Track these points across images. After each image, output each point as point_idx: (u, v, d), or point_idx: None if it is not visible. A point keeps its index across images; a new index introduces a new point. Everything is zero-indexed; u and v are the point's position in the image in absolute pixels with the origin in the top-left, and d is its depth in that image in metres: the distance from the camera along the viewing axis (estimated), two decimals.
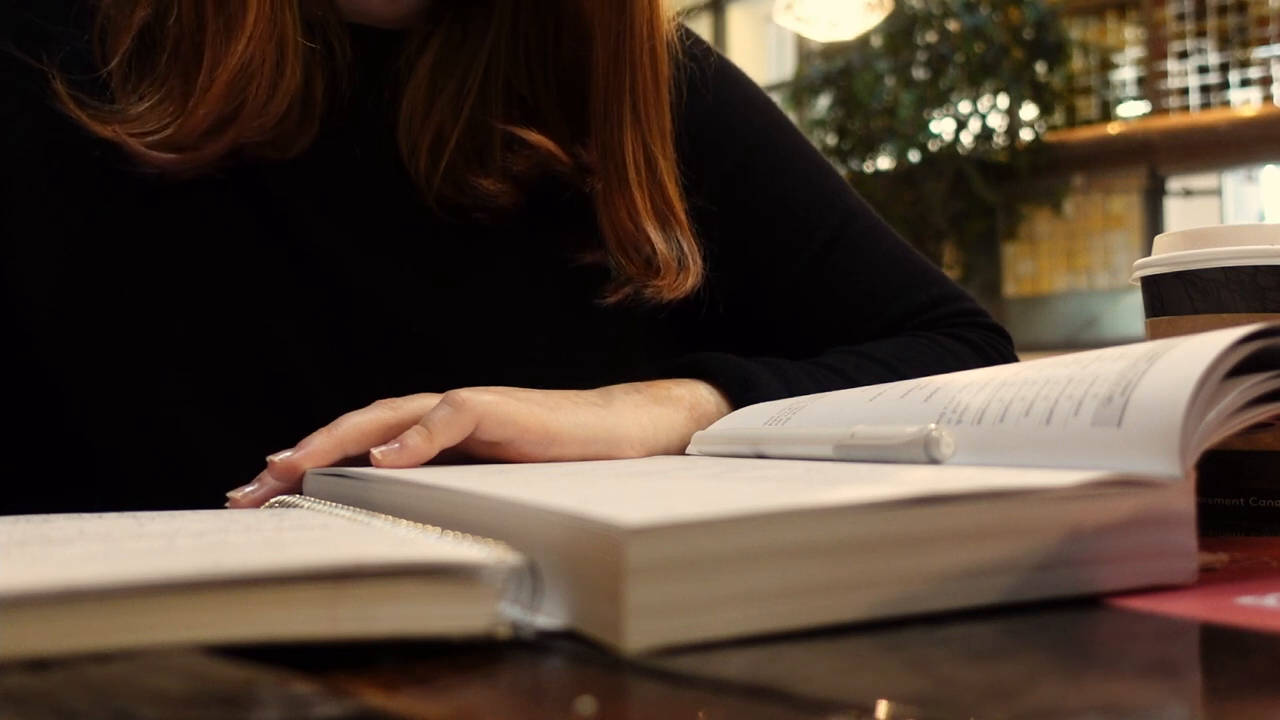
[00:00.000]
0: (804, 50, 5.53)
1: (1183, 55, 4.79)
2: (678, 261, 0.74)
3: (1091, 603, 0.35)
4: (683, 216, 0.75)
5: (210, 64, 0.65)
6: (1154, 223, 4.82)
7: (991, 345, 0.82)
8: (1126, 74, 4.96)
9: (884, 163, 5.00)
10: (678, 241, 0.74)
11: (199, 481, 0.58)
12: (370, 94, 0.73)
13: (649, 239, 0.73)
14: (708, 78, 0.82)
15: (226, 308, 0.68)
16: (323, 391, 0.68)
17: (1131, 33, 4.93)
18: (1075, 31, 4.94)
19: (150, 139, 0.65)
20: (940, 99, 4.86)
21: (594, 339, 0.76)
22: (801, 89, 5.21)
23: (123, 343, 0.67)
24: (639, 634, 0.30)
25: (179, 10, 0.66)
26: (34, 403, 0.68)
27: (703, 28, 5.96)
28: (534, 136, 0.73)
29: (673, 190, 0.75)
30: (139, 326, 0.67)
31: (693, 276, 0.74)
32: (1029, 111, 4.93)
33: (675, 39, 0.78)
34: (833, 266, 0.82)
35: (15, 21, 0.69)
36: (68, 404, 0.67)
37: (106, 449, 0.67)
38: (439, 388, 0.59)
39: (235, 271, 0.69)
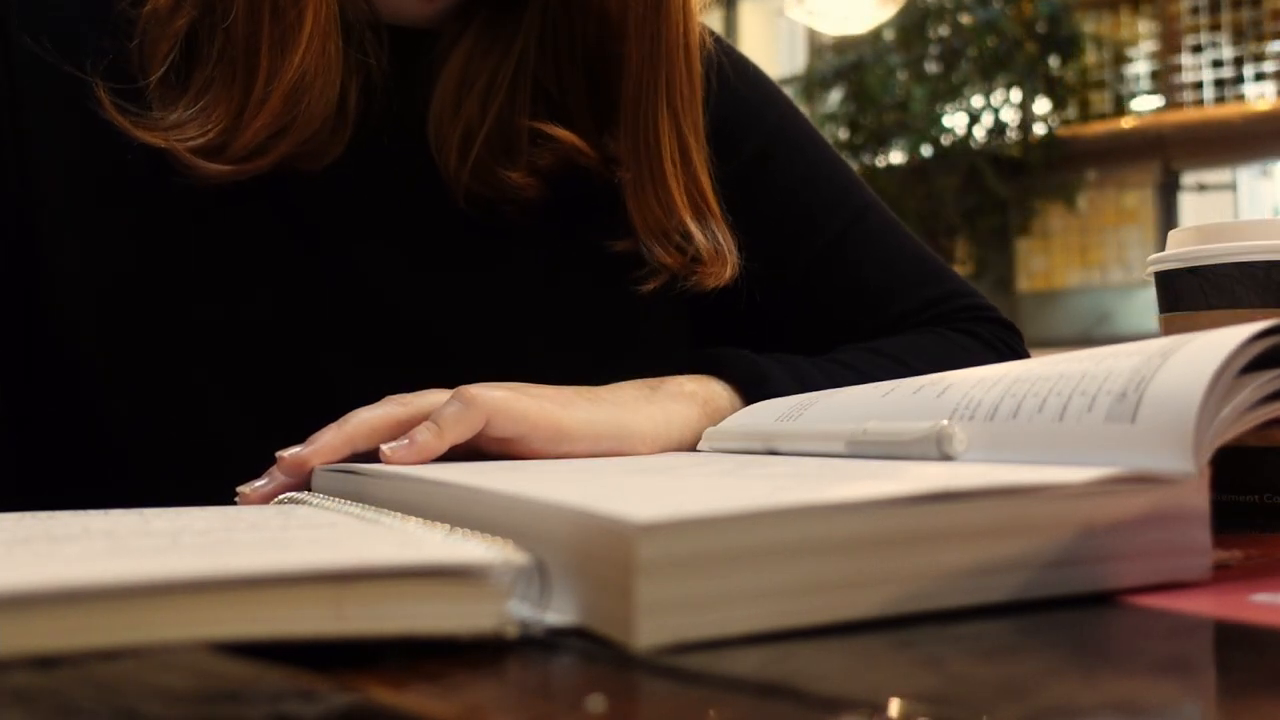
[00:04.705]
0: (815, 44, 5.51)
1: (1197, 49, 4.77)
2: (715, 250, 0.75)
3: (1104, 600, 0.35)
4: (715, 207, 0.76)
5: (266, 75, 0.65)
6: (1168, 218, 4.79)
7: (1002, 340, 0.82)
8: (1140, 68, 4.94)
9: (896, 157, 4.98)
10: (713, 231, 0.75)
11: (229, 479, 0.58)
12: (401, 94, 0.73)
13: (685, 228, 0.74)
14: (728, 72, 0.83)
15: (259, 311, 0.68)
16: (353, 387, 0.68)
17: (1145, 26, 4.91)
18: (1088, 25, 4.91)
19: (194, 144, 0.64)
20: (953, 93, 4.84)
21: (627, 331, 0.76)
22: (813, 83, 5.20)
23: (159, 344, 0.67)
24: (649, 631, 0.30)
25: (231, 20, 0.65)
26: (66, 401, 0.68)
27: (714, 21, 5.95)
28: (559, 131, 0.74)
29: (705, 182, 0.76)
30: (175, 329, 0.67)
31: (730, 266, 0.75)
32: (1042, 106, 4.91)
33: (704, 33, 0.79)
34: (842, 260, 0.82)
35: (54, 26, 0.68)
36: (100, 403, 0.68)
37: (139, 446, 0.67)
38: (468, 382, 0.59)
39: (268, 276, 0.69)
